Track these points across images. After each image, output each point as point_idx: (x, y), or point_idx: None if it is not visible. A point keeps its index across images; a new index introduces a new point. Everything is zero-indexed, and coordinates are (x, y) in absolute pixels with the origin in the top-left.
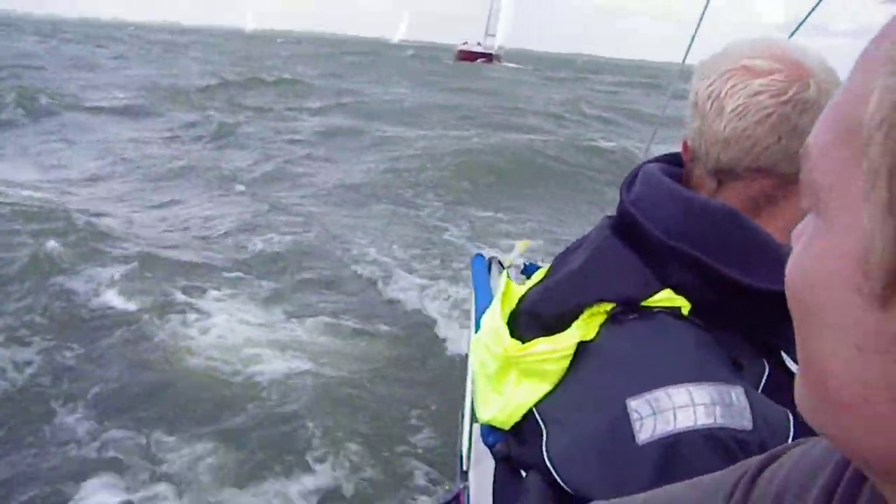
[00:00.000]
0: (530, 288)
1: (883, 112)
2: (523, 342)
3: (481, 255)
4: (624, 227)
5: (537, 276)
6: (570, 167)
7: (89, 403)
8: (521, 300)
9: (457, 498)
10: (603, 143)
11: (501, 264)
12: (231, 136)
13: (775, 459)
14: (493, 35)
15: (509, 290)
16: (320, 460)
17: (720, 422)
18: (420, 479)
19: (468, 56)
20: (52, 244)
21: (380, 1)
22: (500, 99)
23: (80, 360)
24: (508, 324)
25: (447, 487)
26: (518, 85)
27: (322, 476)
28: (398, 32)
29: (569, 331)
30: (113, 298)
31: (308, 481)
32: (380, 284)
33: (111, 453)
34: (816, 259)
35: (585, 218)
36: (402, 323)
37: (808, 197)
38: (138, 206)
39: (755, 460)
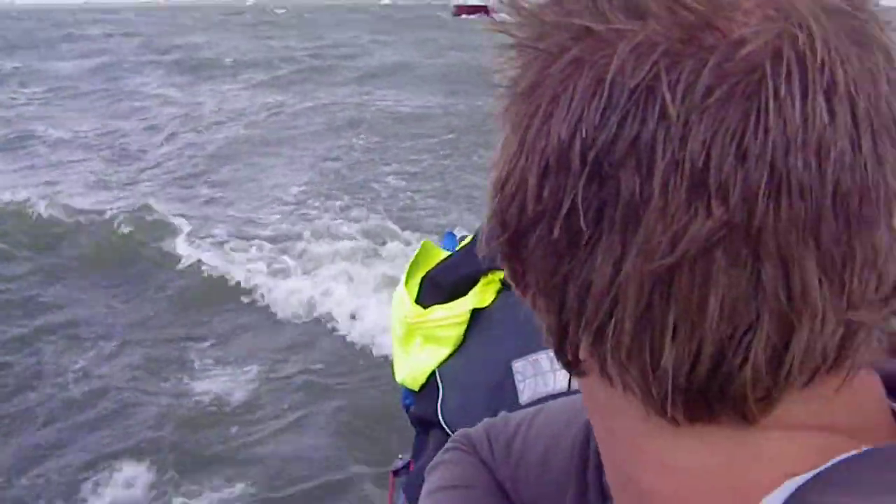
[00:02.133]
0: (445, 258)
1: None
2: (425, 309)
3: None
4: None
5: (458, 248)
6: None
7: None
8: (433, 268)
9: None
10: None
11: None
12: None
13: None
14: None
15: (427, 253)
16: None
17: None
18: None
19: (465, 10)
20: None
21: None
22: None
23: None
24: (419, 287)
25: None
26: None
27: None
28: None
29: (465, 298)
30: None
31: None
32: None
33: None
34: None
35: None
36: None
37: None
38: None
39: None
